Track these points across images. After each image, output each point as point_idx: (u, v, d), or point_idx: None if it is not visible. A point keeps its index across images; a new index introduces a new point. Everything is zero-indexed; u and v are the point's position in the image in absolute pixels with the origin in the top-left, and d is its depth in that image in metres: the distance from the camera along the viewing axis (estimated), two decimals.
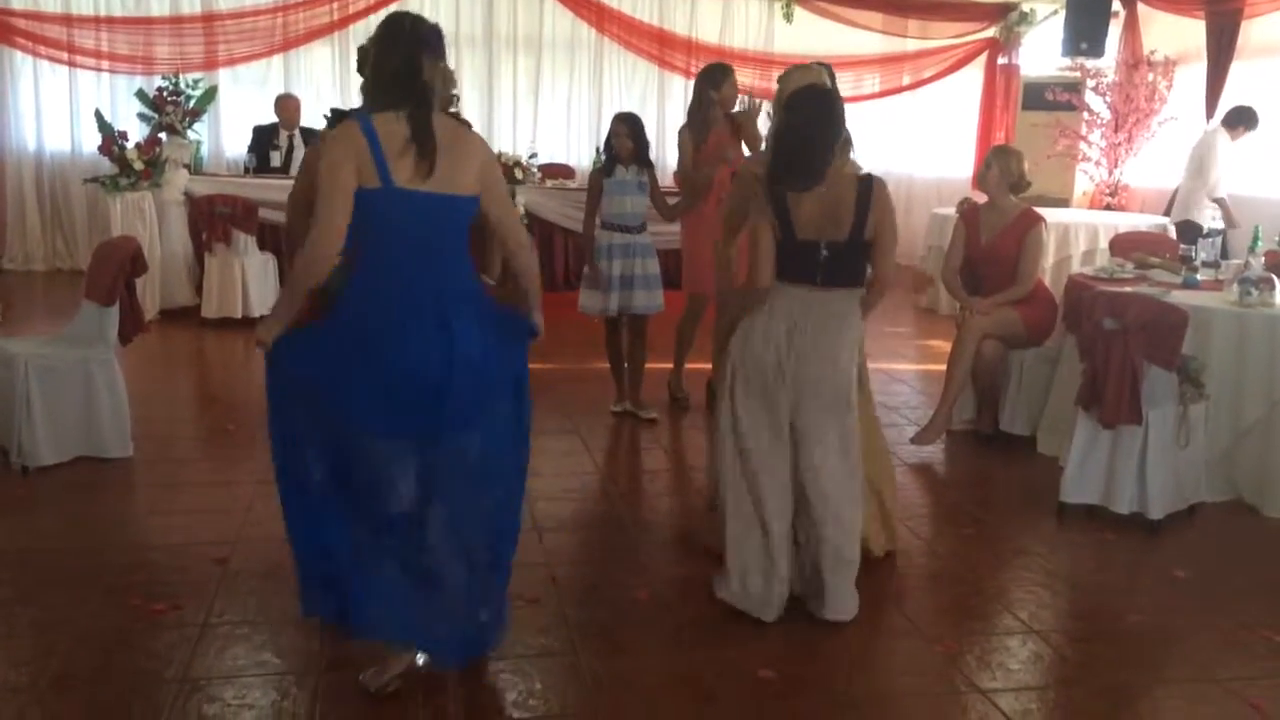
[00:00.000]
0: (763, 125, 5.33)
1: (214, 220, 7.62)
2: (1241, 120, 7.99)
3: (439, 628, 2.87)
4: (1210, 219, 7.78)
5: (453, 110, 4.07)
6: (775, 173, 3.40)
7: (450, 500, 2.83)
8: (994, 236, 5.47)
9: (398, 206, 2.65)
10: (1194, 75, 9.30)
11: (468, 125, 3.92)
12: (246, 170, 8.78)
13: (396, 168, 2.63)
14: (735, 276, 3.76)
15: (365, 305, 2.72)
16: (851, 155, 3.86)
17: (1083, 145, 10.11)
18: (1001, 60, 11.24)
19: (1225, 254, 6.80)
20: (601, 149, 9.44)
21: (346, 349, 2.72)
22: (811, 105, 3.40)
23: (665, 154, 9.72)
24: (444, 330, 2.70)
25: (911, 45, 11.14)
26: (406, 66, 2.68)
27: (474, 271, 2.87)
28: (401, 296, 2.69)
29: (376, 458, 2.77)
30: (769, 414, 3.39)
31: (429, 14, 10.05)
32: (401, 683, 2.94)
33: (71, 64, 9.74)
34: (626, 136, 5.51)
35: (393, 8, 9.96)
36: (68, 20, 9.61)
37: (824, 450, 3.39)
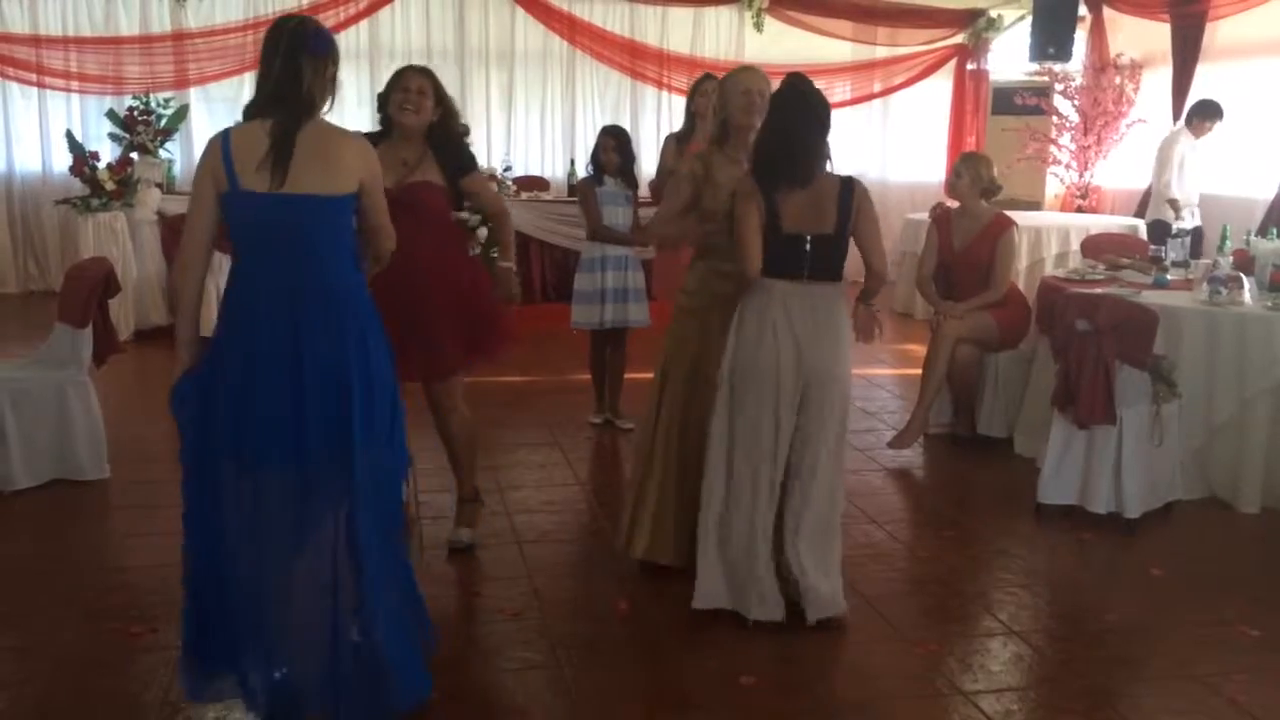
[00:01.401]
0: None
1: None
2: (1202, 114, 7.95)
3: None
4: (1190, 217, 7.84)
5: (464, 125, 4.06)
6: (771, 170, 3.42)
7: (321, 537, 2.70)
8: (967, 242, 5.52)
9: (244, 208, 2.68)
10: (1160, 78, 9.40)
11: (466, 131, 3.98)
12: None
13: (250, 173, 2.63)
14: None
15: (231, 307, 2.77)
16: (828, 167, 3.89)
17: (1052, 149, 10.19)
18: (970, 66, 11.31)
19: (1196, 253, 6.86)
20: (576, 160, 9.52)
21: (217, 360, 2.73)
22: (808, 102, 3.43)
23: (641, 165, 9.77)
24: (293, 332, 2.67)
25: (881, 52, 11.19)
26: (283, 75, 2.67)
27: (353, 274, 2.81)
28: (257, 297, 2.72)
29: (248, 488, 2.69)
30: (773, 414, 3.39)
31: (400, 29, 10.20)
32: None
33: (41, 85, 9.66)
34: (614, 150, 5.54)
35: (362, 23, 9.99)
36: (36, 41, 9.54)
37: (817, 450, 3.42)
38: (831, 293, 3.42)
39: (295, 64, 2.67)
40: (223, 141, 2.69)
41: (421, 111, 3.75)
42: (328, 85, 2.76)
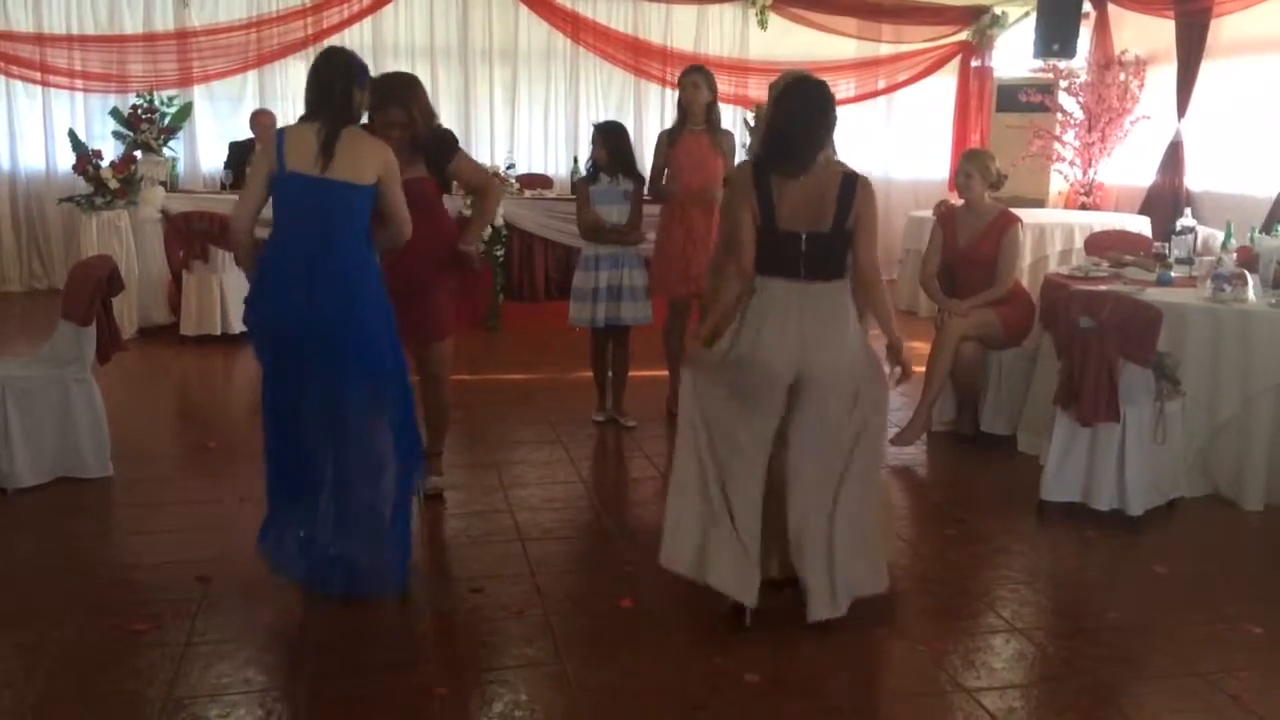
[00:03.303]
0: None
1: (191, 237, 7.58)
2: None
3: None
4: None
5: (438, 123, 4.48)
6: (766, 158, 3.40)
7: (331, 441, 3.50)
8: (972, 238, 5.51)
9: (288, 185, 3.48)
10: (1165, 75, 9.38)
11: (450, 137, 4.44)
12: (223, 186, 8.76)
13: (296, 160, 3.45)
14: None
15: (264, 265, 3.56)
16: (837, 156, 3.86)
17: (1057, 146, 10.17)
18: (975, 63, 11.28)
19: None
20: (579, 158, 9.53)
21: (256, 297, 3.58)
22: (806, 93, 3.41)
23: (644, 163, 9.78)
24: (307, 292, 3.42)
25: (885, 50, 11.17)
26: (342, 96, 3.51)
27: (362, 250, 3.53)
28: (282, 259, 3.49)
29: (279, 398, 3.56)
30: (756, 410, 3.37)
31: (403, 27, 10.22)
32: None
33: (45, 83, 9.68)
34: (600, 145, 5.55)
35: (366, 21, 9.99)
36: (40, 39, 9.55)
37: (812, 442, 3.37)
38: (830, 291, 3.37)
39: (349, 88, 3.54)
40: (279, 136, 3.55)
41: (399, 140, 4.07)
42: (363, 105, 3.68)
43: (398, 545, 3.64)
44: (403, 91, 4.15)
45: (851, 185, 3.35)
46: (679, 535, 3.45)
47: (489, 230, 8.11)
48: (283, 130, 3.59)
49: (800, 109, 3.38)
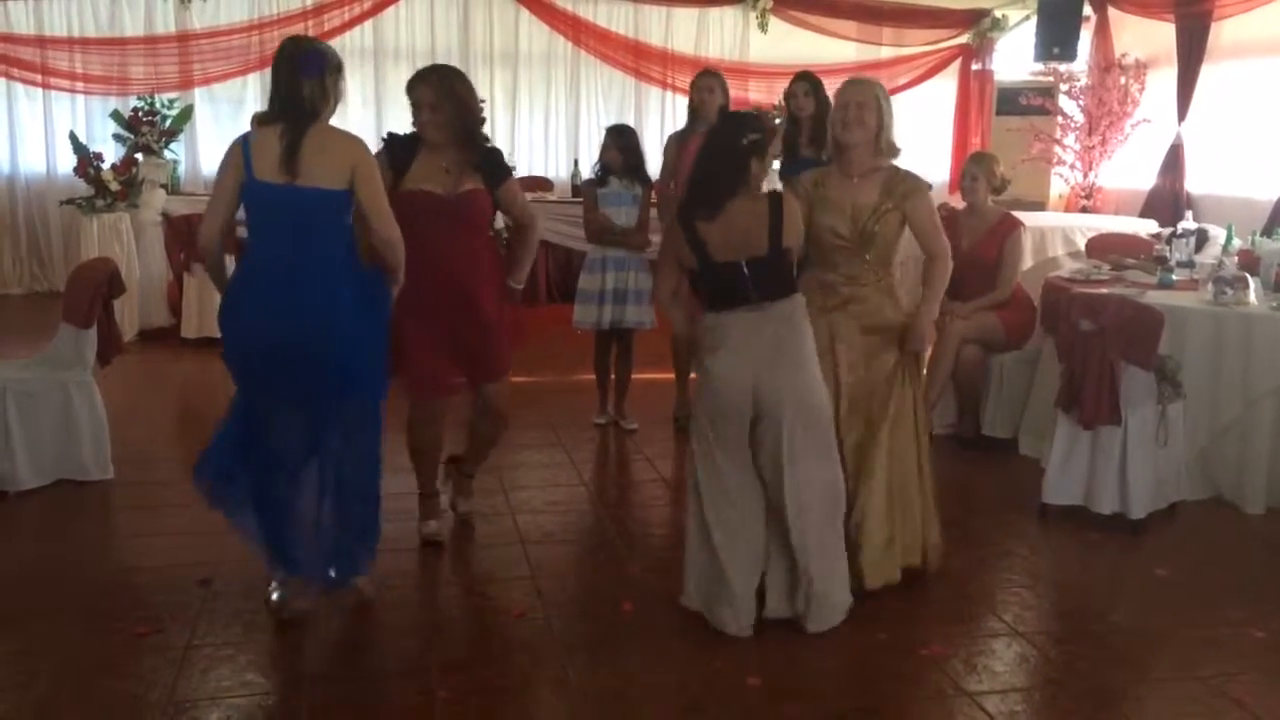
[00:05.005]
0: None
1: (192, 240, 7.56)
2: None
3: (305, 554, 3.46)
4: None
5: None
6: (684, 204, 3.46)
7: (321, 444, 3.40)
8: (974, 241, 5.51)
9: (259, 194, 3.27)
10: (1165, 78, 9.38)
11: (493, 149, 4.07)
12: None
13: (264, 167, 3.23)
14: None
15: (240, 275, 3.41)
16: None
17: (1057, 149, 10.16)
18: (975, 66, 11.28)
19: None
20: (580, 161, 9.54)
21: (231, 308, 3.41)
22: (712, 142, 3.43)
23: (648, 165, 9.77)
24: (285, 301, 3.26)
25: (886, 53, 11.16)
26: (286, 89, 3.27)
27: (341, 257, 3.34)
28: (258, 268, 3.34)
29: (258, 405, 3.43)
30: (738, 444, 3.37)
31: (404, 30, 10.22)
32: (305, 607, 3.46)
33: (45, 86, 9.68)
34: (613, 148, 5.56)
35: (366, 24, 10.00)
36: (41, 42, 9.55)
37: (795, 469, 3.35)
38: (785, 310, 3.36)
39: (295, 82, 3.26)
40: (244, 143, 3.30)
41: (435, 124, 3.80)
42: (329, 95, 3.32)
43: (354, 554, 3.54)
44: (437, 75, 3.87)
45: (778, 205, 3.37)
46: (689, 573, 3.53)
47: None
48: (246, 136, 3.36)
49: (706, 155, 3.43)
